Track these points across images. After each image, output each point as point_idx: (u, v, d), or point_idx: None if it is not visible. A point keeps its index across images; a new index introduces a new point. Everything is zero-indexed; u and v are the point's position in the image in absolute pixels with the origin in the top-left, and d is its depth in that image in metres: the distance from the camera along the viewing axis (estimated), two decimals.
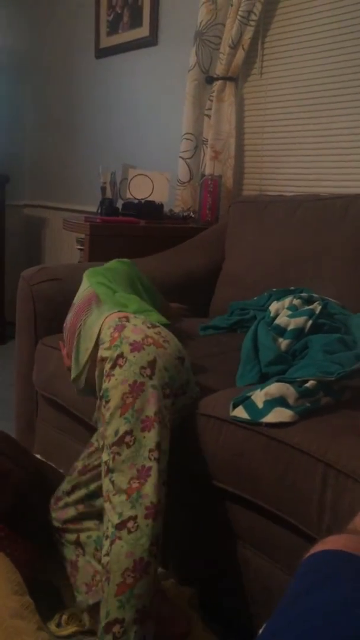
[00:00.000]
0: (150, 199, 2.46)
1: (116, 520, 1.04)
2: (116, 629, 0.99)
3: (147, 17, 2.86)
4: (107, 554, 1.04)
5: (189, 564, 1.30)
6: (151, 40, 2.87)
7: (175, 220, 2.47)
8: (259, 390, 1.15)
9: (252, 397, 1.14)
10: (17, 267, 2.16)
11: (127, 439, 1.08)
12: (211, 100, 2.47)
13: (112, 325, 1.18)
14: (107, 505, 1.08)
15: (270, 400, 1.12)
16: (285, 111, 2.34)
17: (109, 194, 2.66)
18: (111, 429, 1.09)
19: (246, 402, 1.14)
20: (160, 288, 1.92)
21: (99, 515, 1.24)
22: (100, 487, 1.18)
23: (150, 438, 1.08)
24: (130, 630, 0.99)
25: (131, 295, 1.36)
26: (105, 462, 1.10)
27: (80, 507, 1.26)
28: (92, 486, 1.25)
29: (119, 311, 1.24)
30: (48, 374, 1.64)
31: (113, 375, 1.12)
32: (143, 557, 1.02)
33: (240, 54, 2.35)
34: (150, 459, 1.07)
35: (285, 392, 1.12)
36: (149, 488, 1.05)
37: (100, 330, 1.20)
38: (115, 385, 1.11)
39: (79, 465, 1.28)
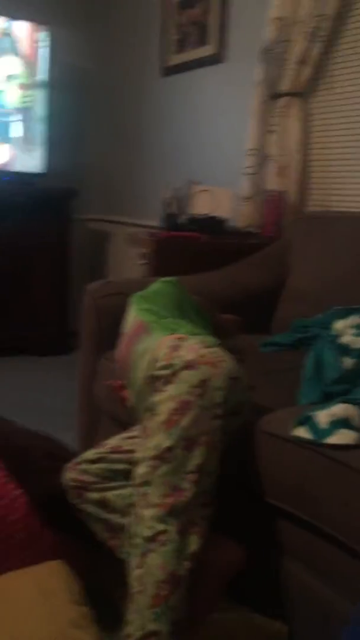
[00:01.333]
0: (213, 214, 2.47)
1: (147, 533, 1.04)
2: None
3: (214, 35, 2.89)
4: (140, 567, 1.03)
5: (245, 586, 1.28)
6: (218, 58, 2.89)
7: (237, 236, 2.46)
8: (322, 410, 1.12)
9: (316, 417, 1.12)
10: (81, 280, 2.21)
11: (167, 454, 1.07)
12: (276, 116, 2.46)
13: (168, 345, 1.18)
14: (135, 518, 1.07)
15: (335, 421, 1.09)
16: (353, 126, 2.30)
17: (172, 209, 2.69)
18: (153, 442, 1.09)
19: (309, 421, 1.12)
20: (221, 303, 1.92)
21: (120, 485, 1.22)
22: (125, 471, 1.18)
23: (192, 459, 1.07)
24: None
25: (180, 320, 1.35)
26: (141, 475, 1.09)
27: (100, 477, 1.22)
28: (117, 466, 1.22)
29: (172, 334, 1.24)
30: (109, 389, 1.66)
31: (164, 390, 1.12)
32: (176, 570, 1.01)
33: (308, 70, 2.34)
34: (187, 480, 1.06)
35: (351, 413, 1.09)
36: (181, 506, 1.04)
37: (156, 352, 1.21)
38: (164, 400, 1.11)
39: (111, 442, 1.26)
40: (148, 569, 1.01)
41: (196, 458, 1.07)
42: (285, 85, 2.42)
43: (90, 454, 1.25)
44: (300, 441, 1.12)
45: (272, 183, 2.44)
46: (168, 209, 2.73)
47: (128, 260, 3.47)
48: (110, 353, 1.73)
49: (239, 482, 1.22)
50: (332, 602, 1.10)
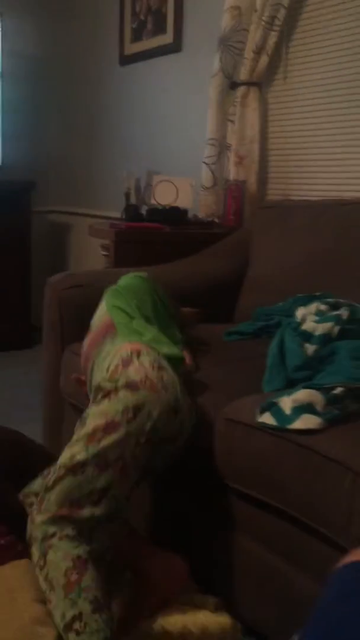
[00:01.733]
0: (174, 204, 2.47)
1: (40, 536, 1.03)
2: (76, 625, 0.95)
3: (171, 24, 2.87)
4: (42, 567, 1.02)
5: (212, 572, 1.30)
6: (175, 47, 2.88)
7: (199, 226, 2.47)
8: (286, 396, 1.14)
9: (280, 403, 1.13)
10: (42, 273, 2.19)
11: (78, 468, 1.06)
12: (235, 106, 2.47)
13: (122, 357, 1.20)
14: (29, 520, 1.07)
15: (298, 407, 1.11)
16: (310, 115, 2.33)
17: (133, 200, 2.68)
18: (70, 451, 1.08)
19: (273, 408, 1.14)
20: (184, 293, 1.93)
21: None
22: None
23: (100, 480, 1.06)
24: (91, 620, 0.96)
25: (148, 324, 1.36)
26: (46, 478, 1.08)
27: None
28: None
29: (133, 342, 1.24)
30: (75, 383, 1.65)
31: (100, 403, 1.12)
32: (79, 554, 1.01)
33: (265, 59, 2.35)
34: (89, 500, 1.05)
35: (314, 398, 1.11)
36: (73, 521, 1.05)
37: (110, 361, 1.22)
38: (95, 413, 1.11)
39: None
40: (51, 565, 1.01)
41: (104, 481, 1.06)
42: (242, 75, 2.43)
43: (38, 485, 1.12)
44: (265, 427, 1.13)
45: (232, 173, 2.45)
46: (129, 200, 2.72)
47: (89, 252, 3.44)
48: (73, 345, 1.72)
49: (205, 470, 1.23)
50: (300, 584, 1.12)
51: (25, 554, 1.13)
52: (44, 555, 1.02)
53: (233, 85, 2.49)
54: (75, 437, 1.11)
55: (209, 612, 1.16)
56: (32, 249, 3.48)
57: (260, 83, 2.43)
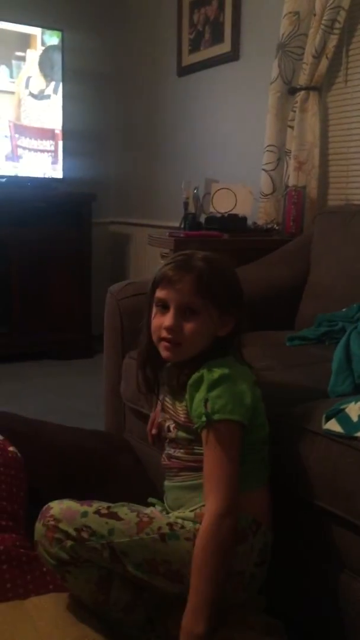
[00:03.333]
0: (233, 212, 2.46)
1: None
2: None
3: (229, 33, 2.88)
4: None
5: (282, 584, 1.26)
6: (233, 56, 2.88)
7: (259, 233, 2.45)
8: (353, 402, 1.10)
9: (346, 410, 1.10)
10: (102, 283, 2.21)
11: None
12: (294, 111, 2.44)
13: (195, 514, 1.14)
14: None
15: None
16: None
17: (192, 209, 2.68)
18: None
19: (340, 415, 1.10)
20: (246, 301, 1.91)
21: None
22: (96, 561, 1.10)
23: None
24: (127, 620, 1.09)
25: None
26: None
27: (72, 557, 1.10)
28: (91, 554, 1.11)
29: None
30: (135, 386, 1.65)
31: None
32: (101, 574, 1.06)
33: (324, 63, 2.32)
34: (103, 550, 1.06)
35: None
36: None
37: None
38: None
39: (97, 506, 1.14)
40: (75, 589, 1.08)
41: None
42: (302, 80, 2.40)
43: (68, 526, 1.06)
44: (331, 435, 1.10)
45: (292, 179, 2.42)
46: (187, 209, 2.72)
47: (149, 262, 3.47)
48: (133, 352, 1.73)
49: (272, 479, 1.20)
50: None
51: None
52: (63, 578, 1.07)
53: (292, 90, 2.47)
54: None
55: None
56: (93, 260, 3.54)
57: (320, 87, 2.40)
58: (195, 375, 1.11)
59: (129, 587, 1.08)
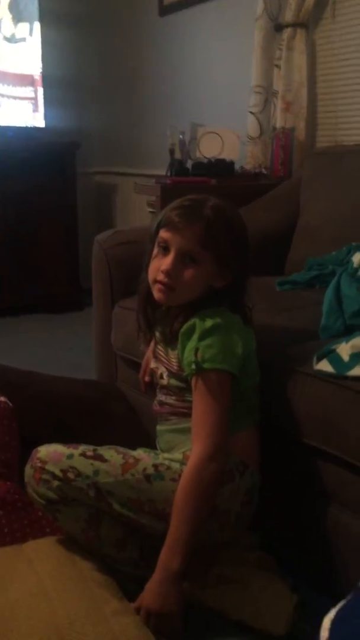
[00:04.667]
0: (220, 157, 2.41)
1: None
2: (108, 560, 1.10)
3: None
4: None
5: (275, 522, 1.29)
6: None
7: (247, 178, 2.41)
8: (344, 342, 1.10)
9: (337, 350, 1.10)
10: (89, 235, 2.17)
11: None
12: (280, 50, 2.37)
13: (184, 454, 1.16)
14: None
15: (357, 353, 1.07)
16: None
17: (178, 155, 2.62)
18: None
19: (331, 355, 1.10)
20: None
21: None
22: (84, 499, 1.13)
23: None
24: (118, 557, 1.11)
25: None
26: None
27: (60, 496, 1.13)
28: (78, 494, 1.13)
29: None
30: (126, 334, 1.65)
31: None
32: (90, 512, 1.09)
33: None
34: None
35: None
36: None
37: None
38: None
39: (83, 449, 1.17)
40: (66, 526, 1.11)
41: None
42: (288, 16, 2.32)
43: (54, 467, 1.08)
44: (322, 375, 1.10)
45: (279, 120, 2.37)
46: (173, 156, 2.66)
47: (135, 212, 3.42)
48: (123, 301, 1.72)
49: (266, 420, 1.21)
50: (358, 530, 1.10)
51: None
52: (54, 517, 1.10)
53: (278, 27, 2.39)
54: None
55: (272, 576, 1.16)
56: (78, 211, 3.48)
57: (307, 24, 2.32)
58: (187, 324, 1.11)
59: (119, 524, 1.11)
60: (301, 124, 2.35)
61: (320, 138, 2.42)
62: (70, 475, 1.07)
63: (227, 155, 2.41)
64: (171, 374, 1.18)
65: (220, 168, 2.36)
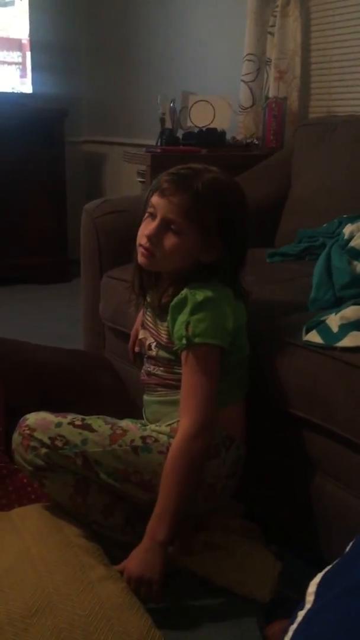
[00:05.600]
0: (211, 126, 2.37)
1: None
2: (94, 526, 1.11)
3: None
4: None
5: (261, 491, 1.30)
6: None
7: (238, 148, 2.37)
8: (333, 314, 1.10)
9: (327, 321, 1.09)
10: (78, 205, 2.13)
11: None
12: (274, 17, 2.32)
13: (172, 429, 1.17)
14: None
15: (346, 324, 1.07)
16: (356, 23, 2.16)
17: (168, 124, 2.58)
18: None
19: (320, 326, 1.10)
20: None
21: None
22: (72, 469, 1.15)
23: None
24: (105, 523, 1.13)
25: None
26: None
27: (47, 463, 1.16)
28: (66, 462, 1.17)
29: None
30: (114, 305, 1.63)
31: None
32: (77, 478, 1.11)
33: None
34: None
35: None
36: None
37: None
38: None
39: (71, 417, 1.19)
40: (53, 493, 1.11)
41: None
42: None
43: (42, 434, 1.09)
44: (311, 346, 1.10)
45: (272, 90, 2.33)
46: (164, 125, 2.62)
47: (125, 181, 3.37)
48: (112, 271, 1.70)
49: (256, 391, 1.21)
50: (345, 502, 1.11)
51: None
52: (41, 484, 1.10)
53: None
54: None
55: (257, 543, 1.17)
56: (67, 180, 3.42)
57: None
58: (177, 297, 1.10)
59: (106, 491, 1.12)
60: (294, 94, 2.32)
61: (313, 108, 2.38)
62: (58, 443, 1.07)
63: (218, 125, 2.37)
64: (160, 346, 1.17)
65: (211, 137, 2.32)
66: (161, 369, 1.19)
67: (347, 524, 1.11)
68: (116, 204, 1.83)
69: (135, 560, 1.03)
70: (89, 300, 1.83)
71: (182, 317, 1.08)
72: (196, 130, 2.37)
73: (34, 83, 3.33)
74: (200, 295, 1.07)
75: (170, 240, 1.09)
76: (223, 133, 2.36)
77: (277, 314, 1.25)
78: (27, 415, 1.12)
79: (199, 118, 2.39)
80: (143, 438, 1.11)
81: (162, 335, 1.16)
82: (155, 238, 1.09)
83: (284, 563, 1.15)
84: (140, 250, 1.12)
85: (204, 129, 2.36)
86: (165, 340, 1.15)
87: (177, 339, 1.09)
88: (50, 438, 1.07)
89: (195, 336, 1.06)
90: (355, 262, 1.24)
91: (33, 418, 1.10)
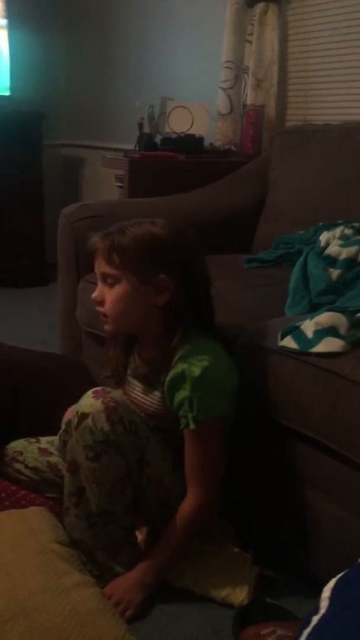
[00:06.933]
0: (189, 132, 2.38)
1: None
2: (106, 516, 1.11)
3: None
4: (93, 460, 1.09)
5: (238, 496, 1.30)
6: None
7: (215, 154, 2.39)
8: (308, 320, 1.11)
9: (302, 327, 1.10)
10: (55, 210, 2.12)
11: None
12: (253, 25, 2.34)
13: None
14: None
15: (321, 330, 1.08)
16: (333, 33, 2.20)
17: (147, 129, 2.58)
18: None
19: (295, 332, 1.11)
20: (200, 222, 1.88)
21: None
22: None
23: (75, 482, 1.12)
24: (121, 517, 1.12)
25: None
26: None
27: (32, 483, 1.27)
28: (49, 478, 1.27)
29: None
30: (91, 309, 1.62)
31: None
32: (128, 471, 1.12)
33: None
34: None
35: (337, 321, 1.08)
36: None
37: None
38: None
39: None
40: (102, 468, 1.08)
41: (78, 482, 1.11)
42: None
43: (29, 456, 1.25)
44: (286, 351, 1.10)
45: (250, 97, 2.35)
46: (142, 130, 2.62)
47: (103, 186, 3.36)
48: (89, 276, 1.69)
49: None
50: (322, 508, 1.12)
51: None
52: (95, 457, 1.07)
53: (250, 2, 2.36)
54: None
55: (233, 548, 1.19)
56: (44, 184, 3.40)
57: (280, 0, 2.30)
58: (174, 372, 1.09)
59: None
60: (271, 102, 2.34)
61: (290, 116, 2.41)
62: (134, 428, 1.10)
63: (196, 131, 2.39)
64: (148, 416, 1.18)
65: (189, 144, 2.33)
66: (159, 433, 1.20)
67: (325, 528, 1.12)
68: (94, 208, 1.83)
69: (118, 586, 1.09)
70: (66, 305, 1.82)
71: (182, 393, 1.09)
72: (174, 136, 2.38)
73: (12, 86, 3.31)
74: (197, 369, 1.07)
75: (111, 294, 1.12)
76: (201, 139, 2.37)
77: (253, 318, 1.26)
78: (107, 389, 1.12)
79: (178, 124, 2.40)
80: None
81: (153, 404, 1.17)
82: (100, 298, 1.14)
83: (260, 568, 1.16)
84: (100, 318, 1.16)
85: (182, 134, 2.37)
86: (153, 409, 1.17)
87: (180, 416, 1.11)
88: (129, 421, 1.09)
89: (199, 413, 1.08)
90: (331, 269, 1.26)
91: (116, 393, 1.12)
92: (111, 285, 1.11)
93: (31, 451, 1.27)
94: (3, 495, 1.16)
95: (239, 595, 1.10)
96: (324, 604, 0.54)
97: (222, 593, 1.11)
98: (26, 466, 1.26)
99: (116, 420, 1.07)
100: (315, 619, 0.53)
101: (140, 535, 1.21)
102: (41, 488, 1.25)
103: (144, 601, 1.09)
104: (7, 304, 3.09)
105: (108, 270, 1.11)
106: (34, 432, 1.30)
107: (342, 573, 0.57)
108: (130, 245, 1.09)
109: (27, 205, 3.37)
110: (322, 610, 0.54)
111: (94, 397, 1.09)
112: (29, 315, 2.90)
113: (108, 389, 1.12)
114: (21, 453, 1.27)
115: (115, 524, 1.12)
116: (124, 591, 1.08)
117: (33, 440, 1.29)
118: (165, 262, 1.09)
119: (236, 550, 1.19)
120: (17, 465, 1.26)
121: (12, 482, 1.23)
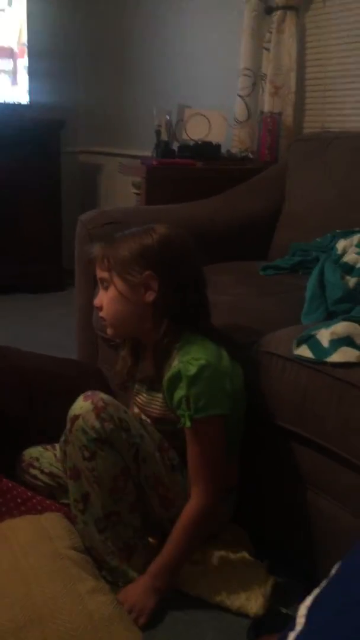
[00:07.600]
0: (207, 139, 2.39)
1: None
2: (113, 518, 1.12)
3: None
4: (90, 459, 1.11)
5: (251, 505, 1.30)
6: None
7: (233, 162, 2.39)
8: (324, 328, 1.10)
9: (317, 336, 1.10)
10: (73, 215, 2.14)
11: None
12: (270, 32, 2.35)
13: None
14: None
15: (337, 340, 1.08)
16: (351, 40, 2.19)
17: (164, 137, 2.60)
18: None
19: (310, 340, 1.10)
20: (217, 229, 1.89)
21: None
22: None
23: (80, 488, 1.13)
24: (127, 516, 1.13)
25: None
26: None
27: (48, 488, 1.29)
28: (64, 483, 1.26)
29: None
30: None
31: None
32: (128, 467, 1.13)
33: None
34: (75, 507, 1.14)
35: (353, 331, 1.07)
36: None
37: None
38: None
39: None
40: (101, 466, 1.10)
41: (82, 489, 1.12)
42: None
43: (45, 462, 1.28)
44: (301, 360, 1.10)
45: (267, 104, 2.35)
46: (160, 137, 2.64)
47: (121, 192, 3.38)
48: None
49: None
50: (336, 518, 1.11)
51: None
52: (92, 455, 1.09)
53: (269, 10, 2.36)
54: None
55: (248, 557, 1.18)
56: (62, 191, 3.43)
57: (298, 7, 2.30)
58: (170, 373, 1.10)
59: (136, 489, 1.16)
60: (289, 109, 2.34)
61: (308, 123, 2.41)
62: (125, 425, 1.12)
63: (213, 138, 2.39)
64: (155, 421, 1.20)
65: (206, 151, 2.34)
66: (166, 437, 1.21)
67: (338, 538, 1.11)
68: (111, 215, 1.84)
69: (130, 593, 1.09)
70: (83, 310, 1.84)
71: (179, 392, 1.09)
72: (191, 143, 2.39)
73: (30, 93, 3.35)
74: (193, 367, 1.07)
75: (106, 297, 1.16)
76: (218, 146, 2.38)
77: (268, 326, 1.26)
78: (97, 392, 1.15)
79: (195, 131, 2.41)
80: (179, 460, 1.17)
81: (155, 408, 1.19)
82: (99, 304, 1.18)
83: (275, 577, 1.15)
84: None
85: (199, 142, 2.38)
86: (157, 412, 1.19)
87: (179, 415, 1.11)
88: (119, 419, 1.11)
89: (196, 411, 1.08)
90: (348, 277, 1.25)
91: (104, 395, 1.14)
92: (106, 289, 1.16)
93: (47, 457, 1.29)
94: (19, 500, 1.17)
95: (254, 605, 1.10)
96: (300, 620, 0.54)
97: (237, 603, 1.10)
98: (42, 472, 1.27)
99: (106, 418, 1.10)
100: (292, 636, 0.53)
101: (152, 539, 1.21)
102: (57, 494, 1.26)
103: (156, 606, 1.09)
104: (24, 309, 3.12)
105: (101, 274, 1.16)
106: (49, 438, 1.31)
107: (316, 591, 0.57)
108: (118, 248, 1.14)
109: (45, 211, 3.39)
110: (299, 627, 0.53)
111: (83, 399, 1.13)
112: (46, 320, 2.92)
113: (99, 392, 1.15)
114: (37, 459, 1.29)
115: (123, 524, 1.13)
116: (136, 598, 1.08)
117: (49, 447, 1.31)
118: (149, 262, 1.12)
119: (251, 557, 1.19)
120: (34, 471, 1.28)
121: (28, 488, 1.24)
